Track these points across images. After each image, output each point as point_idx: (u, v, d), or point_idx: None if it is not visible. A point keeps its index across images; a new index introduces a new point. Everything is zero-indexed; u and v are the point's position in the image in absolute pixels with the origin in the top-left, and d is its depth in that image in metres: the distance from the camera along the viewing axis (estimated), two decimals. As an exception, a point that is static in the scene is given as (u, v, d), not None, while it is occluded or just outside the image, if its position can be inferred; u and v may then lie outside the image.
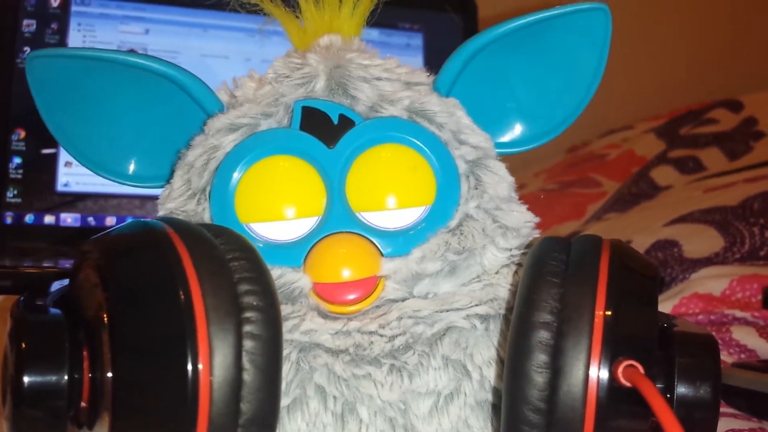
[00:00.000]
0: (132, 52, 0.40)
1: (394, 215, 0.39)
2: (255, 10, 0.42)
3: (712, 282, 0.63)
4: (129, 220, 0.71)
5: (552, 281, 0.32)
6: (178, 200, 0.39)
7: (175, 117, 0.40)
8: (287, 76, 0.40)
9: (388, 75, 0.40)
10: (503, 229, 0.39)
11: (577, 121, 0.43)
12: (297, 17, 0.42)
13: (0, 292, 0.61)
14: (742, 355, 0.55)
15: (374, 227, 0.39)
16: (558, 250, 0.34)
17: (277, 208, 0.39)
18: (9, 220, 0.71)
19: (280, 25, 0.43)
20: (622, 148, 1.10)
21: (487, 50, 0.41)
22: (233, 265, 0.31)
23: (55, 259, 0.70)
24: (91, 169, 0.41)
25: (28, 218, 0.71)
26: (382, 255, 0.39)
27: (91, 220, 0.73)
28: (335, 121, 0.39)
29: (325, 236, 0.39)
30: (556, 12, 0.39)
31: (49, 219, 0.72)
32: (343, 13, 0.42)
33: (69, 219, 0.72)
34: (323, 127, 0.39)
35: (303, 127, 0.39)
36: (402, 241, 0.39)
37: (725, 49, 1.36)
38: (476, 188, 0.40)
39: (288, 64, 0.40)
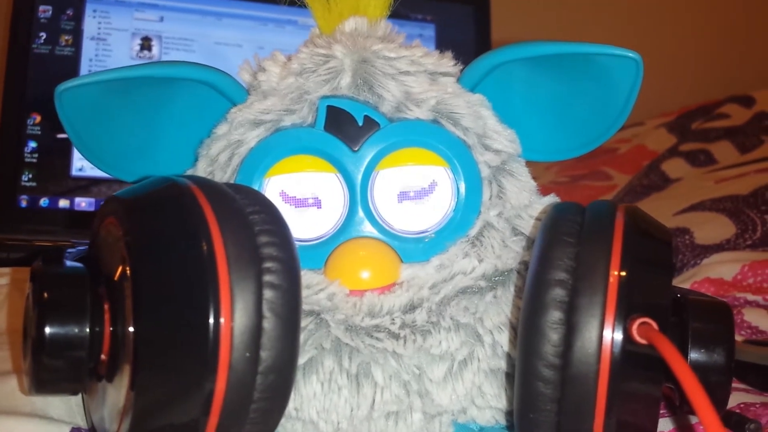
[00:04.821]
0: (146, 63, 0.40)
1: (415, 219, 0.40)
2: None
3: (724, 267, 0.63)
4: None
5: (567, 240, 0.33)
6: None
7: (197, 109, 0.40)
8: (313, 71, 0.39)
9: (414, 68, 0.40)
10: (522, 237, 0.40)
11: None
12: None
13: (14, 264, 0.61)
14: (754, 337, 0.55)
15: (394, 232, 0.39)
16: (573, 213, 0.34)
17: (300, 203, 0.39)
18: (24, 204, 0.71)
19: (305, 3, 0.42)
20: (633, 142, 1.10)
21: (519, 63, 0.40)
22: (253, 218, 0.31)
23: (69, 241, 0.71)
24: (125, 180, 0.41)
25: (43, 202, 0.72)
26: (401, 260, 0.39)
27: (104, 204, 0.74)
28: (360, 123, 0.39)
29: (346, 240, 0.39)
30: (593, 50, 0.39)
31: (63, 203, 0.72)
32: None
33: (83, 203, 0.73)
34: (347, 128, 0.39)
35: (327, 126, 0.39)
36: (422, 248, 0.39)
37: (736, 45, 1.36)
38: (499, 197, 0.40)
39: (313, 57, 0.40)
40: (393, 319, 0.37)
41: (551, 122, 0.42)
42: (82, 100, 0.38)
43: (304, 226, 0.39)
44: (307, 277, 0.37)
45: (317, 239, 0.39)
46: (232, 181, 0.39)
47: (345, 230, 0.39)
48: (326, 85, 0.39)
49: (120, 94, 0.38)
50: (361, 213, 0.39)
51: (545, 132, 0.42)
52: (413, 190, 0.39)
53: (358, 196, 0.39)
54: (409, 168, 0.39)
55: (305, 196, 0.39)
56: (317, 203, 0.39)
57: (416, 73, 0.40)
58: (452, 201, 0.40)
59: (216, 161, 0.39)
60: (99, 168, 0.41)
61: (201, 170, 0.40)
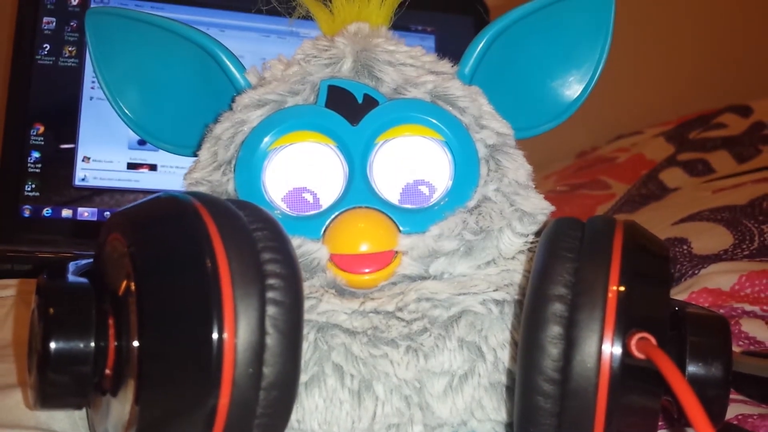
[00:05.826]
0: (181, 23, 0.42)
1: (414, 193, 0.41)
2: (278, 10, 0.43)
3: (722, 277, 0.63)
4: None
5: (566, 256, 0.33)
6: (204, 171, 0.41)
7: (209, 92, 0.42)
8: (315, 57, 0.41)
9: (413, 61, 0.42)
10: (520, 214, 0.40)
11: (586, 126, 0.44)
12: (327, 8, 0.44)
13: (18, 275, 0.62)
14: (752, 347, 0.55)
15: (393, 204, 0.40)
16: (573, 228, 0.35)
17: (300, 181, 0.40)
18: (27, 214, 0.71)
19: (310, 13, 0.44)
20: (632, 151, 1.11)
21: (503, 38, 0.42)
22: (257, 235, 0.32)
23: (71, 252, 0.71)
24: (128, 125, 0.43)
25: (46, 212, 0.72)
26: (399, 231, 0.39)
27: (107, 214, 0.74)
28: (359, 100, 0.41)
29: (345, 210, 0.40)
30: None
31: (66, 213, 0.72)
32: (373, 3, 0.44)
33: (86, 213, 0.73)
34: (348, 106, 0.40)
35: (328, 104, 0.40)
36: (420, 218, 0.40)
37: (734, 55, 1.37)
38: (496, 172, 0.41)
39: (316, 45, 0.42)
40: (397, 345, 0.37)
41: (547, 85, 0.44)
42: (110, 29, 0.42)
43: (303, 202, 0.41)
44: (304, 246, 0.38)
45: (316, 211, 0.40)
46: (234, 157, 0.40)
47: (343, 201, 0.40)
48: (327, 69, 0.41)
49: (147, 42, 0.42)
50: (359, 185, 0.40)
51: (545, 97, 0.44)
52: (412, 193, 0.41)
53: (357, 169, 0.40)
54: (407, 138, 0.41)
55: (303, 186, 0.40)
56: (316, 203, 0.40)
57: (414, 66, 0.42)
58: (450, 174, 0.41)
59: (219, 140, 0.41)
60: (110, 101, 0.43)
61: (205, 151, 0.41)
